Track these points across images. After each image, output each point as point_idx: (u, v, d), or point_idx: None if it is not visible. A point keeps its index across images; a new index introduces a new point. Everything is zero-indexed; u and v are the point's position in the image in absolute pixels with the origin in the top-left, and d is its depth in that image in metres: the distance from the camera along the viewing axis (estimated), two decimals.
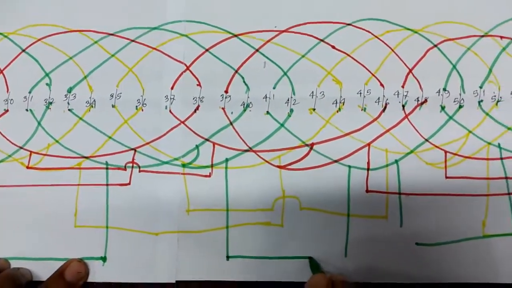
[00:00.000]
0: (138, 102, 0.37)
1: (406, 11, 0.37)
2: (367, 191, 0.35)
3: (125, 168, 0.36)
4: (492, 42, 0.37)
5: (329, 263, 0.35)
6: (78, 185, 0.37)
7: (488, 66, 0.37)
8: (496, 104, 0.36)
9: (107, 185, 0.36)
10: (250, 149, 0.36)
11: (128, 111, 0.37)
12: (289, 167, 0.36)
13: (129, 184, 0.36)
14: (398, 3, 0.38)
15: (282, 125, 0.37)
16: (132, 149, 0.37)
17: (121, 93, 0.37)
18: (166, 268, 0.35)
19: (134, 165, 0.36)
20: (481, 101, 0.36)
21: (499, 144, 0.36)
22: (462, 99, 0.36)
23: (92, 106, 0.38)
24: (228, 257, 0.35)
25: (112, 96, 0.37)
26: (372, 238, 0.35)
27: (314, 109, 0.37)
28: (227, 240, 0.35)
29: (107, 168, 0.37)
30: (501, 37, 0.37)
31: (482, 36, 0.37)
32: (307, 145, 0.36)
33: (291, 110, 0.37)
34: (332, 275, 0.33)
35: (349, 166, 0.36)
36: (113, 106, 0.37)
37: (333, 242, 0.35)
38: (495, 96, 0.36)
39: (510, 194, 0.35)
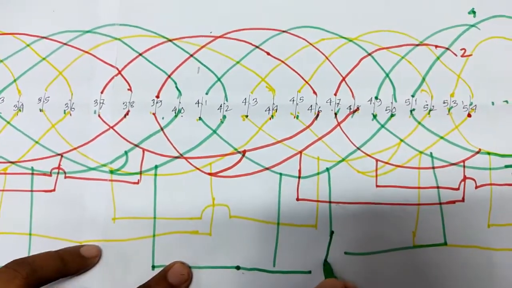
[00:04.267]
0: (66, 106, 0.36)
1: (341, 20, 0.37)
2: (297, 199, 0.35)
3: (50, 174, 0.35)
4: (426, 51, 0.37)
5: (257, 274, 0.34)
6: (3, 190, 0.35)
7: (422, 75, 0.37)
8: (429, 113, 0.36)
9: (31, 191, 0.35)
10: (180, 156, 0.36)
11: (56, 115, 0.36)
12: (220, 174, 0.35)
13: (53, 190, 0.35)
14: (334, 11, 0.37)
15: (214, 131, 0.36)
16: (58, 154, 0.36)
17: (49, 96, 0.36)
18: (89, 278, 0.34)
19: (60, 171, 0.35)
20: (413, 110, 0.36)
21: (431, 153, 0.36)
22: (394, 107, 0.36)
23: (20, 110, 0.37)
24: (153, 267, 0.34)
25: (40, 100, 0.36)
26: (302, 247, 0.34)
27: (247, 116, 0.36)
28: (153, 249, 0.34)
29: (32, 174, 0.35)
30: (436, 46, 0.37)
31: (417, 45, 0.37)
32: (239, 152, 0.36)
33: (224, 117, 0.36)
34: (346, 282, 0.31)
35: (281, 174, 0.35)
36: (40, 110, 0.36)
37: (262, 251, 0.34)
38: (427, 105, 0.36)
39: (441, 204, 0.35)
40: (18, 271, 0.29)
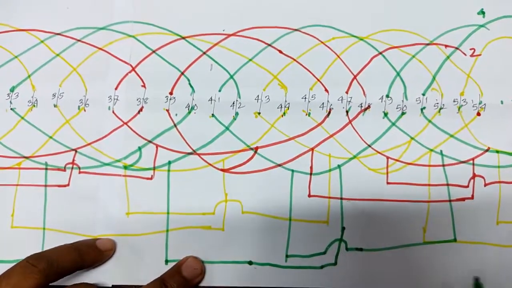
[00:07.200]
0: (81, 102, 0.37)
1: (352, 19, 0.38)
2: (309, 195, 0.35)
3: (64, 169, 0.36)
4: (436, 50, 0.38)
5: (269, 269, 0.34)
6: (17, 185, 0.36)
7: (432, 74, 0.37)
8: (439, 111, 0.36)
9: (45, 186, 0.36)
10: (193, 152, 0.36)
11: (70, 111, 0.37)
12: (232, 170, 0.36)
13: (68, 185, 0.35)
14: (345, 10, 0.38)
15: (227, 128, 0.36)
16: (72, 149, 0.36)
17: (63, 92, 0.37)
18: (103, 272, 0.34)
19: (74, 166, 0.36)
20: (424, 108, 0.36)
21: (441, 151, 0.36)
22: (405, 106, 0.36)
23: (34, 106, 0.37)
24: (167, 261, 0.34)
25: (55, 95, 0.37)
26: (313, 243, 0.35)
27: (259, 113, 0.37)
28: (167, 244, 0.35)
29: (46, 169, 0.36)
30: (446, 46, 0.38)
31: (427, 44, 0.38)
32: (251, 148, 0.36)
33: (236, 114, 0.37)
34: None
35: (292, 170, 0.36)
36: (55, 105, 0.37)
37: (274, 247, 0.35)
38: (437, 103, 0.37)
39: (451, 201, 0.35)
40: (35, 265, 0.29)
